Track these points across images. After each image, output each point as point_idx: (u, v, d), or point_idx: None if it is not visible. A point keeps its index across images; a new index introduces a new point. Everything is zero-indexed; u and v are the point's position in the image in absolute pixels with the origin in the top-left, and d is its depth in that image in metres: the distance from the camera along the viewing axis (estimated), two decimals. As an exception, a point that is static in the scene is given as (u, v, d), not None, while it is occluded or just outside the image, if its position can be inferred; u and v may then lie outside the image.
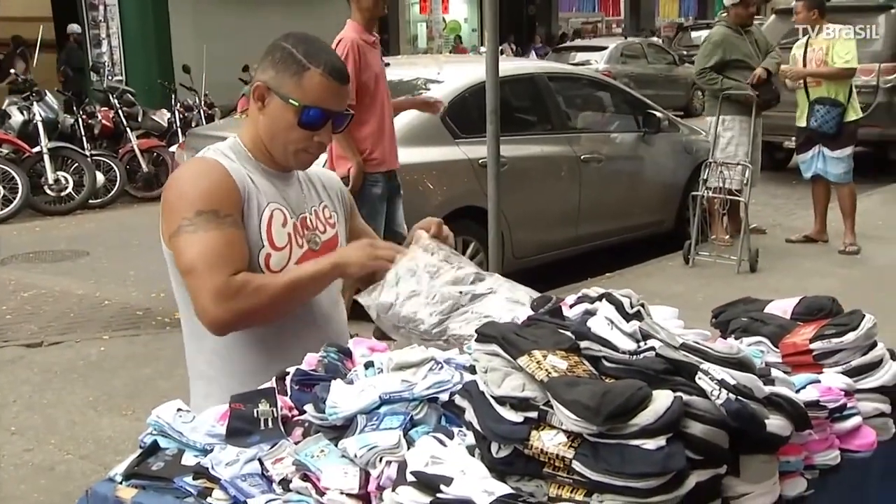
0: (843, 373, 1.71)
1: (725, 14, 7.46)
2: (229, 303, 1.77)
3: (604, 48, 18.42)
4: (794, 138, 8.72)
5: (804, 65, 6.88)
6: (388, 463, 1.41)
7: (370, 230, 2.26)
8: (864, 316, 1.78)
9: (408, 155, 5.60)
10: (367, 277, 1.94)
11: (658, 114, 7.23)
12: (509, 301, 1.80)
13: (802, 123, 6.96)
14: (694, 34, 25.24)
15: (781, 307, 1.94)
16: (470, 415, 1.40)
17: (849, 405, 1.64)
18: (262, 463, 1.52)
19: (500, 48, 5.45)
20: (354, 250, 1.92)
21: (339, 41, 4.64)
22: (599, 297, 1.56)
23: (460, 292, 1.80)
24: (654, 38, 23.78)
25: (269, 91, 1.90)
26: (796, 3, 7.01)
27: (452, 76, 6.22)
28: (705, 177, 6.76)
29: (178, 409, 1.66)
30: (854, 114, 6.83)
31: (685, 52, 22.05)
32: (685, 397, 1.31)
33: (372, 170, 4.82)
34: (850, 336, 1.74)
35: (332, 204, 2.11)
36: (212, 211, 1.81)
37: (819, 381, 1.64)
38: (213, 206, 1.82)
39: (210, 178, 1.87)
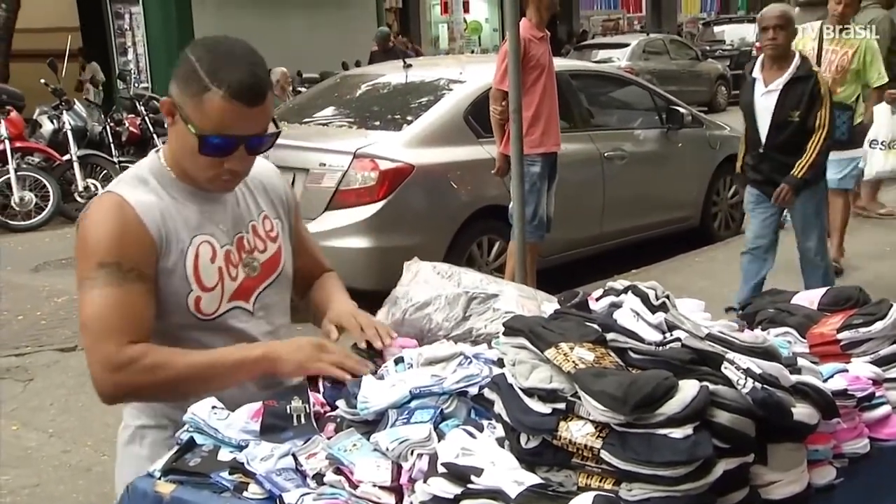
0: (871, 362, 1.71)
1: None
2: (115, 374, 1.64)
3: (626, 45, 18.38)
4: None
5: (818, 62, 6.68)
6: (420, 456, 1.43)
7: (311, 239, 2.08)
8: (892, 305, 1.78)
9: (431, 155, 5.64)
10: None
11: (681, 110, 7.20)
12: (521, 297, 1.82)
13: None
14: (717, 29, 25.10)
15: (808, 298, 1.95)
16: (499, 407, 1.43)
17: (877, 394, 1.64)
18: (295, 458, 1.55)
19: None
20: (295, 349, 1.74)
21: None
22: (625, 290, 1.58)
23: (467, 293, 1.80)
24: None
25: (175, 108, 1.68)
26: None
27: (475, 76, 6.24)
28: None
29: (213, 407, 1.69)
30: (860, 116, 6.54)
31: (708, 48, 21.94)
32: (711, 386, 1.33)
33: (529, 150, 5.17)
34: (878, 325, 1.74)
35: (273, 210, 1.91)
36: (115, 263, 1.64)
37: (847, 371, 1.64)
38: (116, 258, 1.65)
39: (115, 223, 1.67)
